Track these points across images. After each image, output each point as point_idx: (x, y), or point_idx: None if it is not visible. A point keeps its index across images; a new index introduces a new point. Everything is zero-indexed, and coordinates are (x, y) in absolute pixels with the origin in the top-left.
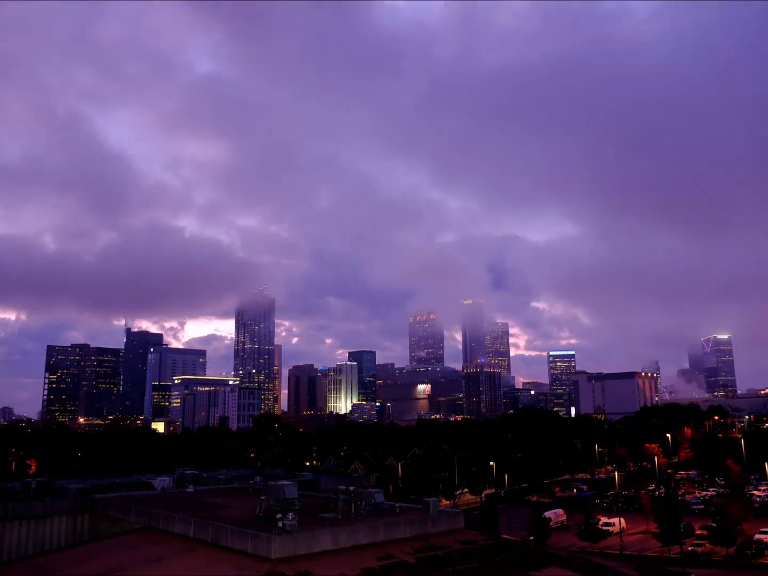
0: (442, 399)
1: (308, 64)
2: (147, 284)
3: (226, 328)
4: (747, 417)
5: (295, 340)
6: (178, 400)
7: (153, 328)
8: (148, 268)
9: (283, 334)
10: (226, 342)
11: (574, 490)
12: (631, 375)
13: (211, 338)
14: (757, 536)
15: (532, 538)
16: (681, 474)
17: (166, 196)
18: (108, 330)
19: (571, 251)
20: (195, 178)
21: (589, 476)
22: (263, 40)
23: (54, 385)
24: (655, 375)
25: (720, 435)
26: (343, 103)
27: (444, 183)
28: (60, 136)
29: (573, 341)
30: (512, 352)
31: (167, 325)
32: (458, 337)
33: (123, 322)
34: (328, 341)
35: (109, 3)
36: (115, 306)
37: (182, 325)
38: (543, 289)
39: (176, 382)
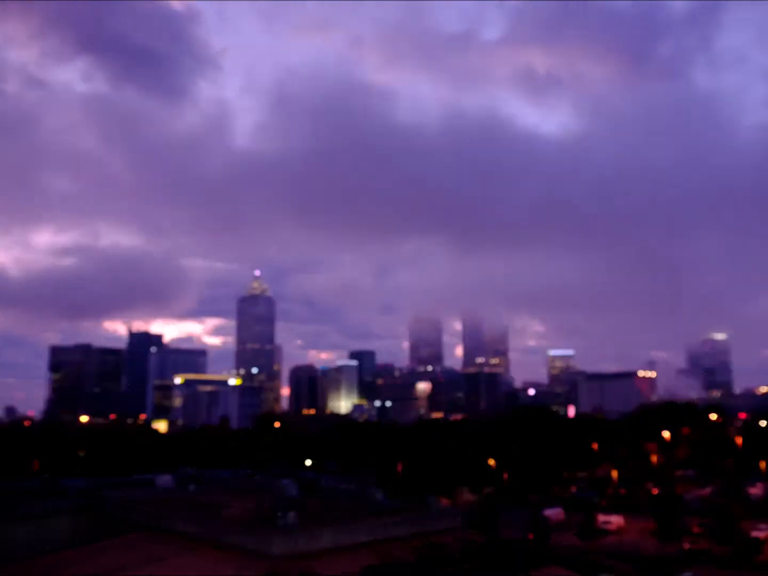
0: (442, 399)
1: None
2: (100, 292)
3: (191, 328)
4: (745, 416)
5: None
6: (180, 400)
7: (123, 329)
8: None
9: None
10: (199, 342)
11: (574, 489)
12: (630, 375)
13: (188, 339)
14: (755, 534)
15: (531, 537)
16: (679, 472)
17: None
18: (79, 331)
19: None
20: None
21: (588, 475)
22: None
23: (57, 385)
24: (653, 374)
25: (718, 434)
26: None
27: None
28: None
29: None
30: (511, 353)
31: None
32: (458, 336)
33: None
34: (299, 342)
35: None
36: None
37: (149, 325)
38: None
39: (178, 381)
